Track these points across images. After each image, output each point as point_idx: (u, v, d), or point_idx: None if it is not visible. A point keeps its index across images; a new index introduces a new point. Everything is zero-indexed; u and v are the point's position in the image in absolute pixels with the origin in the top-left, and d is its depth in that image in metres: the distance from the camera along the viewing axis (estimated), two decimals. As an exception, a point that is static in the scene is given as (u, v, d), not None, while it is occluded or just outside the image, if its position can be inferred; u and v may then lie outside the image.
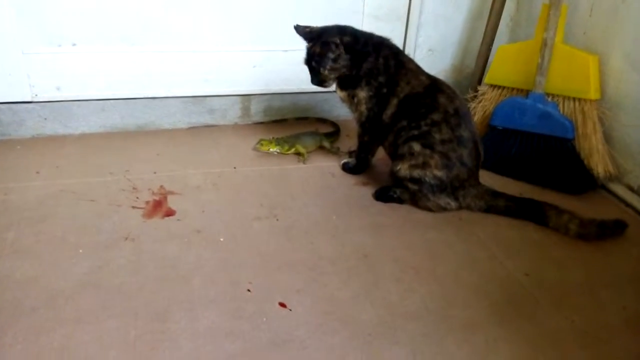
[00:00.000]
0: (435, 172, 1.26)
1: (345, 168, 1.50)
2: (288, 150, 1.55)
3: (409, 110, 1.31)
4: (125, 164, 1.46)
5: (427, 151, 1.27)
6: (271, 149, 1.54)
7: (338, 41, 1.32)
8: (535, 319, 0.97)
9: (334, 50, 1.31)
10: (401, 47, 1.79)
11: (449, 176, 1.27)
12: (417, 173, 1.28)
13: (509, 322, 0.96)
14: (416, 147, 1.28)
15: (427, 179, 1.27)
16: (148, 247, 1.11)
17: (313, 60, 1.35)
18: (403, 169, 1.29)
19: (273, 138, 1.56)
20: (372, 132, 1.41)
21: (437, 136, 1.26)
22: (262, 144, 1.54)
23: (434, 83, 1.34)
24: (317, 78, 1.37)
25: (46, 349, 0.85)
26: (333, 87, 1.43)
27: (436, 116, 1.27)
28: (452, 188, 1.28)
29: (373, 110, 1.37)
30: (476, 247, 1.18)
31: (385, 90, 1.34)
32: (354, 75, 1.35)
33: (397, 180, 1.33)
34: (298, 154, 1.56)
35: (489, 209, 1.30)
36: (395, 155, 1.34)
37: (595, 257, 1.16)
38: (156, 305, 0.95)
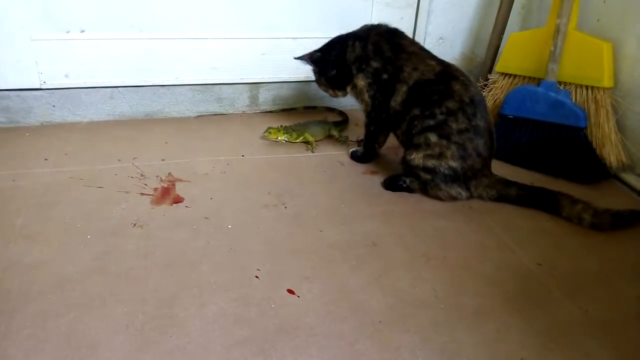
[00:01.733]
0: (451, 163, 1.25)
1: (354, 157, 1.49)
2: (296, 138, 1.54)
3: (422, 98, 1.28)
4: (134, 151, 1.46)
5: (444, 141, 1.25)
6: (279, 138, 1.54)
7: (307, 58, 1.47)
8: (547, 309, 0.96)
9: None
10: (411, 35, 1.79)
11: (464, 167, 1.25)
12: (431, 163, 1.26)
13: (520, 311, 0.95)
14: (433, 138, 1.26)
15: (441, 169, 1.25)
16: (156, 234, 1.11)
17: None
18: (417, 158, 1.28)
19: (281, 126, 1.55)
20: (379, 121, 1.40)
21: (454, 126, 1.24)
22: (270, 132, 1.53)
23: (446, 69, 1.30)
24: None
25: (54, 334, 0.85)
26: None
27: (451, 104, 1.25)
28: (464, 178, 1.27)
29: (377, 99, 1.36)
30: (487, 236, 1.16)
31: (385, 76, 1.33)
32: (335, 74, 1.43)
33: (408, 169, 1.31)
34: (306, 142, 1.55)
35: (500, 198, 1.28)
36: (409, 145, 1.32)
37: (609, 247, 1.14)
38: (164, 291, 0.95)
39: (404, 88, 1.31)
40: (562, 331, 0.91)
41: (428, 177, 1.28)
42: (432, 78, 1.29)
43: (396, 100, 1.33)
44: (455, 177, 1.26)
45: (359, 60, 1.37)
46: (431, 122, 1.26)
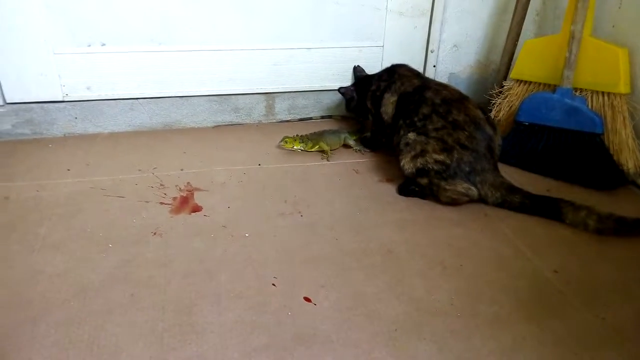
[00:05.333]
0: (435, 156, 1.27)
1: (363, 141, 1.63)
2: (312, 147, 1.56)
3: (403, 109, 1.41)
4: (153, 161, 1.49)
5: (422, 138, 1.30)
6: (295, 147, 1.56)
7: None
8: (564, 317, 0.95)
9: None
10: (425, 43, 1.81)
11: (452, 159, 1.26)
12: (419, 162, 1.29)
13: (537, 319, 0.94)
14: (411, 136, 1.32)
15: (429, 165, 1.28)
16: (176, 242, 1.13)
17: None
18: (406, 163, 1.32)
19: (297, 135, 1.57)
20: (379, 130, 1.56)
21: (430, 126, 1.31)
22: (286, 142, 1.55)
23: (423, 83, 1.45)
24: None
25: (77, 340, 0.87)
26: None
27: (425, 109, 1.34)
28: (464, 173, 1.26)
29: (376, 112, 1.54)
30: (503, 244, 1.16)
31: (378, 92, 1.53)
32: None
33: (408, 179, 1.35)
34: (322, 151, 1.56)
35: (503, 204, 1.28)
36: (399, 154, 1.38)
37: (626, 254, 1.13)
38: (183, 299, 0.97)
39: (393, 99, 1.45)
40: (579, 339, 0.90)
41: (425, 180, 1.30)
42: (410, 91, 1.43)
43: (387, 113, 1.47)
44: (451, 172, 1.26)
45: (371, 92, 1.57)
46: (411, 129, 1.34)
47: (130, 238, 1.14)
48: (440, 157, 1.27)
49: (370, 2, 1.71)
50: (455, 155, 1.26)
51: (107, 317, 0.92)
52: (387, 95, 1.48)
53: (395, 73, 1.53)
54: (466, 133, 1.28)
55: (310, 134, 1.58)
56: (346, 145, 1.62)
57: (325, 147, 1.55)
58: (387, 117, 1.47)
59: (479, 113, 1.33)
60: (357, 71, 1.76)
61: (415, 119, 1.35)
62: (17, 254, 1.08)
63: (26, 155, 1.51)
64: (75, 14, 1.52)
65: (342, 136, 1.60)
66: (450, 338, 0.90)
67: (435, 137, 1.29)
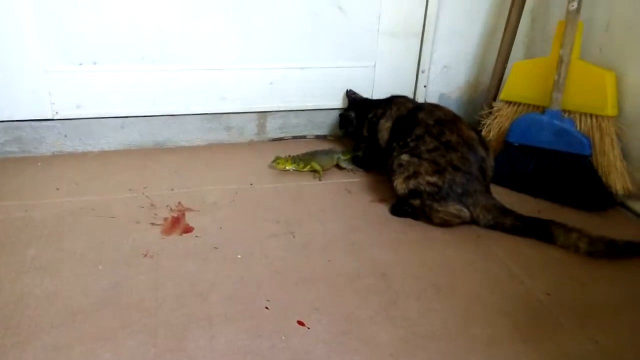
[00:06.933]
0: (428, 178, 1.28)
1: (354, 161, 1.64)
2: (304, 167, 1.56)
3: (397, 132, 1.43)
4: (144, 181, 1.48)
5: (415, 159, 1.31)
6: (287, 167, 1.56)
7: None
8: (558, 340, 0.95)
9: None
10: (416, 64, 1.83)
11: (444, 180, 1.27)
12: (412, 184, 1.30)
13: (531, 342, 0.94)
14: (405, 157, 1.34)
15: (421, 187, 1.29)
16: (167, 264, 1.12)
17: None
18: (399, 184, 1.34)
19: (289, 156, 1.57)
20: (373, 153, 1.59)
21: (423, 147, 1.32)
22: (278, 162, 1.55)
23: (417, 106, 1.48)
24: None
25: (67, 366, 0.85)
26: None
27: (418, 130, 1.36)
28: (456, 195, 1.27)
29: (372, 138, 1.57)
30: (496, 266, 1.17)
31: (374, 118, 1.56)
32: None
33: (400, 199, 1.36)
34: (314, 171, 1.56)
35: (495, 226, 1.28)
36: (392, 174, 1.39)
37: (619, 276, 1.14)
38: (175, 323, 0.96)
39: (388, 124, 1.48)
40: (574, 363, 0.91)
41: (417, 202, 1.31)
42: (404, 114, 1.46)
43: (383, 139, 1.50)
44: (443, 194, 1.27)
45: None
46: (406, 151, 1.35)
47: (121, 260, 1.13)
48: (433, 179, 1.27)
49: (362, 24, 1.73)
50: (448, 177, 1.27)
51: (97, 342, 0.90)
52: (382, 121, 1.51)
53: (392, 102, 1.56)
54: (459, 154, 1.29)
55: (302, 154, 1.59)
56: (338, 166, 1.62)
57: (317, 167, 1.56)
58: (382, 142, 1.50)
59: (472, 134, 1.34)
60: (350, 94, 1.77)
61: (409, 139, 1.36)
62: (5, 275, 1.06)
63: (14, 173, 1.49)
64: (67, 32, 1.51)
65: (335, 156, 1.61)
66: (445, 362, 0.90)
67: (428, 159, 1.29)
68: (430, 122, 1.35)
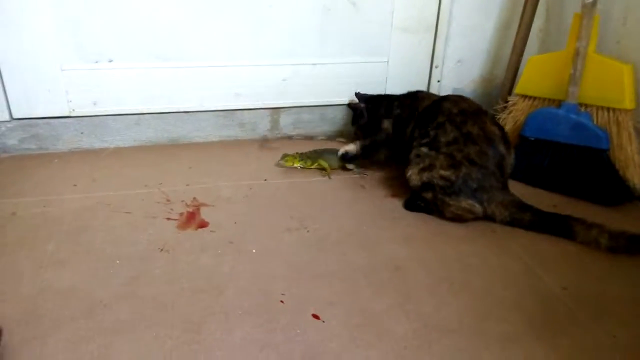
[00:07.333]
0: (442, 172, 1.27)
1: (345, 157, 1.57)
2: (311, 165, 1.56)
3: (420, 122, 1.41)
4: (159, 176, 1.49)
5: (433, 152, 1.30)
6: (295, 164, 1.56)
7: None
8: (574, 335, 0.95)
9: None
10: (429, 59, 1.82)
11: (458, 175, 1.26)
12: (425, 176, 1.30)
13: (547, 337, 0.94)
14: (424, 149, 1.33)
15: (435, 180, 1.28)
16: (183, 258, 1.13)
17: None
18: (413, 174, 1.33)
19: (297, 153, 1.57)
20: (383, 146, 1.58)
21: (443, 139, 1.30)
22: (286, 160, 1.55)
23: (443, 97, 1.44)
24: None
25: (86, 358, 0.87)
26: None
27: (441, 118, 1.34)
28: (470, 190, 1.26)
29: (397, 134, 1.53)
30: (510, 260, 1.16)
31: (403, 120, 1.52)
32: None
33: (414, 193, 1.35)
34: (321, 169, 1.56)
35: (512, 222, 1.27)
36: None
37: (636, 271, 1.13)
38: (191, 316, 0.97)
39: (415, 115, 1.46)
40: (591, 357, 0.90)
41: (429, 195, 1.30)
42: (429, 104, 1.43)
43: (407, 133, 1.47)
44: (455, 189, 1.26)
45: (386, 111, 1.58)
46: (426, 140, 1.34)
47: (138, 254, 1.14)
48: (446, 174, 1.27)
49: (375, 19, 1.73)
50: (463, 171, 1.26)
51: (116, 334, 0.92)
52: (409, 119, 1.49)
53: (417, 96, 1.54)
54: (477, 148, 1.27)
55: (310, 152, 1.58)
56: (344, 167, 1.59)
57: (325, 165, 1.55)
58: (406, 136, 1.47)
59: (495, 129, 1.32)
60: (359, 96, 1.69)
61: (430, 127, 1.34)
62: (25, 269, 1.08)
63: (32, 170, 1.52)
64: (83, 30, 1.53)
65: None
66: (460, 356, 0.89)
67: (445, 153, 1.28)
68: (454, 111, 1.34)
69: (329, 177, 1.54)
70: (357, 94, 1.68)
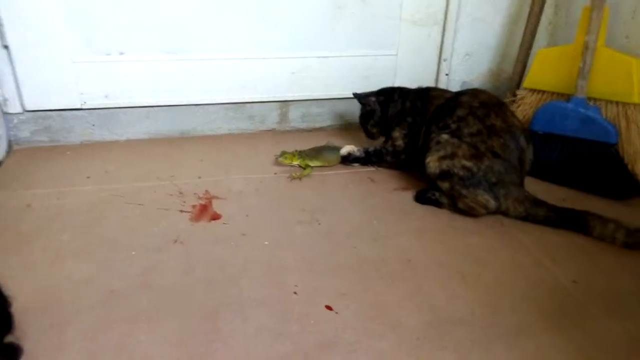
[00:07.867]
0: (464, 162, 1.25)
1: (349, 159, 1.56)
2: (310, 163, 1.54)
3: (437, 117, 1.37)
4: (171, 169, 1.51)
5: (455, 140, 1.28)
6: (294, 162, 1.54)
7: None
8: (586, 327, 0.96)
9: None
10: (438, 52, 1.82)
11: (480, 167, 1.24)
12: (445, 164, 1.28)
13: (558, 329, 0.95)
14: (444, 136, 1.30)
15: (455, 169, 1.26)
16: (197, 250, 1.15)
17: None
18: (432, 161, 1.31)
19: (296, 151, 1.55)
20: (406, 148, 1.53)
21: (466, 130, 1.28)
22: (285, 157, 1.53)
23: (457, 93, 1.41)
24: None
25: (105, 347, 0.88)
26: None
27: (461, 112, 1.31)
28: (489, 184, 1.25)
29: (408, 142, 1.51)
30: (521, 253, 1.17)
31: (416, 128, 1.48)
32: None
33: (430, 181, 1.34)
34: (322, 166, 1.55)
35: (527, 217, 1.27)
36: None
37: (645, 264, 1.14)
38: (207, 306, 0.98)
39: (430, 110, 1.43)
40: (603, 350, 0.91)
41: (446, 185, 1.29)
42: (443, 102, 1.40)
43: (420, 138, 1.44)
44: (475, 181, 1.25)
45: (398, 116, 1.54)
46: (446, 131, 1.31)
47: (152, 245, 1.16)
48: (469, 164, 1.25)
49: (384, 12, 1.73)
50: (486, 163, 1.24)
51: (133, 324, 0.93)
52: (421, 125, 1.45)
53: (429, 96, 1.49)
54: (501, 140, 1.25)
55: (309, 149, 1.57)
56: (344, 163, 1.58)
57: (325, 163, 1.55)
58: (419, 143, 1.44)
59: (516, 121, 1.30)
60: (358, 96, 1.63)
61: (450, 121, 1.31)
62: (42, 260, 1.10)
63: (45, 162, 1.53)
64: (95, 23, 1.54)
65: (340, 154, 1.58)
66: (472, 347, 0.91)
67: (468, 142, 1.26)
68: (475, 104, 1.31)
69: (300, 179, 1.49)
70: (355, 94, 1.62)
